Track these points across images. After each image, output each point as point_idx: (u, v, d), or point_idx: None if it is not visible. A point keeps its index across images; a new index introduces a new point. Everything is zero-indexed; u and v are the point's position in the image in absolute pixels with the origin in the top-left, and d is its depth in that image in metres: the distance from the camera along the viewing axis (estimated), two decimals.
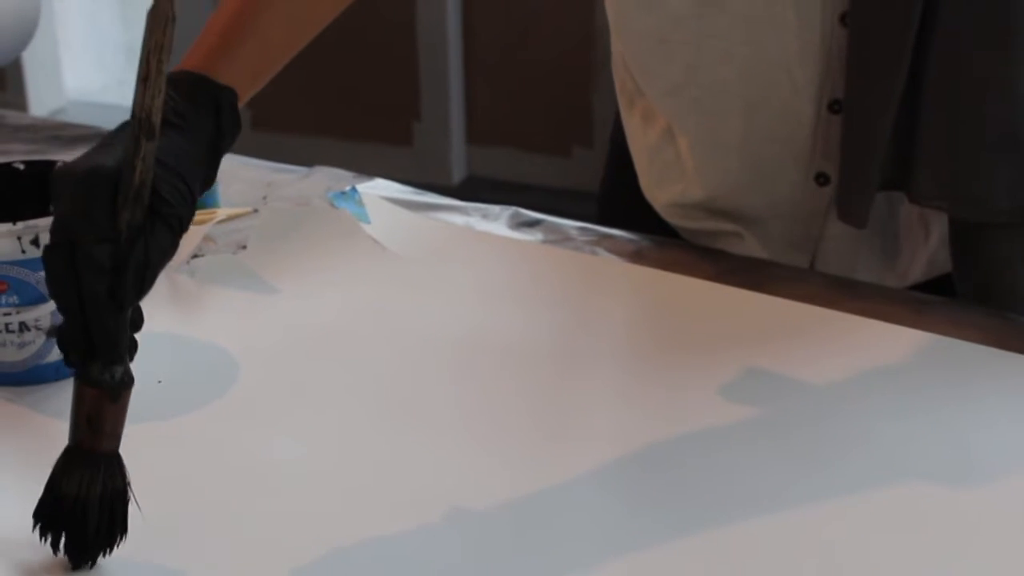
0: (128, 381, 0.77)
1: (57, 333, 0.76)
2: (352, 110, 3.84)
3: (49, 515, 0.76)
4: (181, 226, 0.78)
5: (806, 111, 1.11)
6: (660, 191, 1.22)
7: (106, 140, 0.80)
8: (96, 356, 0.75)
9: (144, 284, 0.76)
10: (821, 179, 1.14)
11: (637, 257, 1.18)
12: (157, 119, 0.74)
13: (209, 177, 0.84)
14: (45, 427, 0.93)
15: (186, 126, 0.81)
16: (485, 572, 0.78)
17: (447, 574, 0.78)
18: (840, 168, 1.10)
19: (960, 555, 0.80)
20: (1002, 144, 1.06)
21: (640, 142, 1.23)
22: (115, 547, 0.77)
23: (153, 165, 0.75)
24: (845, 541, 0.81)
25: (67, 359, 0.76)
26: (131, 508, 0.78)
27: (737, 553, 0.80)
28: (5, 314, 0.95)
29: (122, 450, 0.81)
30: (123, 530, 0.77)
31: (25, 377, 0.97)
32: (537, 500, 0.85)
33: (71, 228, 0.75)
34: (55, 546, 0.76)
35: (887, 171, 1.08)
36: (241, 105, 0.87)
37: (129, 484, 0.78)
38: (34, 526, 0.77)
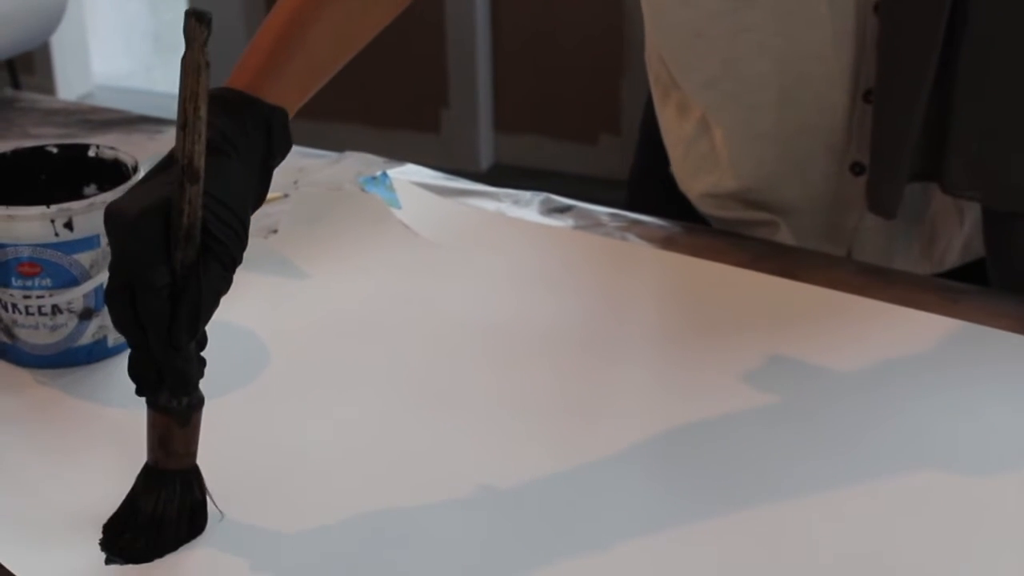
0: (196, 404, 0.79)
1: (128, 365, 0.78)
2: (380, 97, 3.83)
3: (127, 530, 0.79)
4: (233, 262, 0.79)
5: (841, 101, 1.11)
6: (695, 182, 1.21)
7: (152, 173, 0.80)
8: (165, 388, 0.78)
9: (198, 324, 0.77)
10: (856, 169, 1.13)
11: (668, 243, 1.18)
12: (199, 163, 0.75)
13: (261, 196, 0.84)
14: (77, 409, 0.94)
15: (235, 152, 0.81)
16: (515, 550, 0.78)
17: (478, 552, 0.78)
18: (871, 158, 1.09)
19: (984, 542, 0.80)
20: None
21: (675, 134, 1.23)
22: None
23: (201, 205, 0.76)
24: (869, 523, 0.81)
25: (138, 389, 0.78)
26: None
27: (762, 533, 0.80)
28: (38, 297, 0.95)
29: None
30: (202, 528, 0.81)
31: (57, 360, 0.98)
32: (567, 482, 0.85)
33: (128, 272, 0.76)
34: (130, 556, 0.78)
35: (919, 162, 1.08)
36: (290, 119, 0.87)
37: (209, 493, 0.81)
38: (107, 538, 0.79)
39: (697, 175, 1.21)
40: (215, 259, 0.77)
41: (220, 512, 0.81)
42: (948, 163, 1.07)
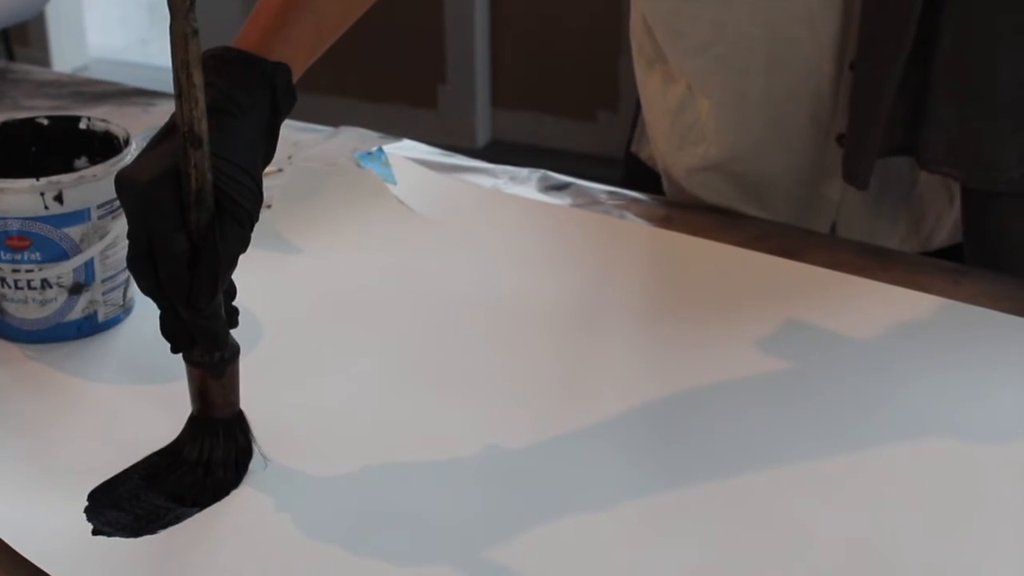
0: (230, 357, 0.81)
1: (160, 325, 0.79)
2: (377, 72, 3.82)
3: (172, 475, 0.82)
4: (250, 219, 0.79)
5: (827, 70, 1.11)
6: (681, 154, 1.20)
7: (157, 139, 0.80)
8: (196, 345, 0.80)
9: (217, 286, 0.77)
10: (842, 141, 1.13)
11: (666, 222, 1.17)
12: (199, 128, 0.75)
13: (269, 153, 0.84)
14: (67, 385, 0.93)
15: (240, 110, 0.81)
16: (509, 519, 0.78)
17: (472, 521, 0.78)
18: (847, 126, 1.09)
19: (983, 524, 0.79)
20: (1013, 110, 1.06)
21: (659, 106, 1.22)
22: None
23: (208, 168, 0.76)
24: (862, 504, 0.80)
25: (172, 348, 0.80)
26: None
27: (756, 510, 0.80)
28: (27, 271, 0.94)
29: (145, 410, 0.85)
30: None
31: (47, 335, 0.97)
32: (561, 455, 0.84)
33: (146, 240, 0.76)
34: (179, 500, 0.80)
35: (897, 136, 1.08)
36: (295, 81, 0.87)
37: (254, 439, 0.83)
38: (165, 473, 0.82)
39: (683, 147, 1.20)
40: (231, 219, 0.78)
41: (265, 459, 0.83)
42: (925, 137, 1.08)
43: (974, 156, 1.07)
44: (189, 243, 0.76)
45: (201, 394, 0.81)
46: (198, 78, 0.74)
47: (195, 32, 0.74)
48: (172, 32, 0.73)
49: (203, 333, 0.79)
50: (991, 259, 1.11)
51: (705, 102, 1.17)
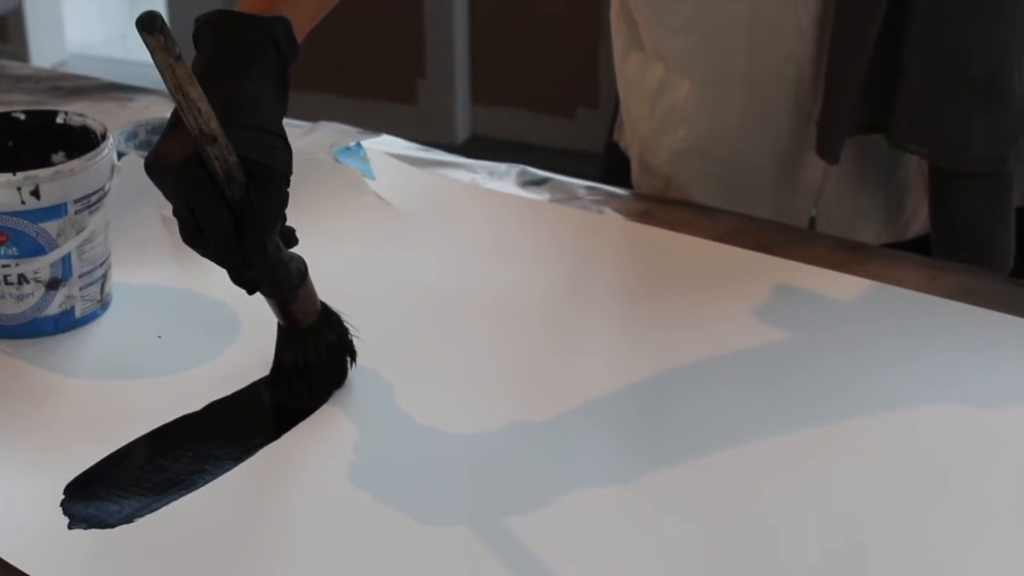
0: (298, 284, 0.86)
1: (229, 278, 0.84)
2: (356, 67, 3.81)
3: (283, 383, 0.90)
4: (284, 176, 0.81)
5: (807, 51, 1.12)
6: (664, 137, 1.21)
7: (171, 125, 0.81)
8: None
9: (266, 247, 0.80)
10: None
11: (644, 217, 1.17)
12: (209, 128, 0.76)
13: (284, 103, 0.85)
14: (44, 381, 0.92)
15: (248, 74, 0.82)
16: (490, 503, 0.79)
17: (455, 506, 0.79)
18: (822, 100, 1.11)
19: (955, 494, 0.81)
20: (981, 91, 1.07)
21: (639, 91, 1.22)
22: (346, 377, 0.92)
23: (229, 153, 0.78)
24: (835, 477, 0.82)
25: (247, 292, 0.85)
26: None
27: (729, 485, 0.82)
28: (4, 266, 0.94)
29: (123, 405, 0.85)
30: (352, 358, 0.92)
31: (24, 330, 0.96)
32: (543, 441, 0.85)
33: (191, 215, 0.79)
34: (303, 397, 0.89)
35: (868, 112, 1.10)
36: (300, 40, 0.87)
37: (347, 330, 0.91)
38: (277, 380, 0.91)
39: (665, 130, 1.20)
40: (266, 183, 0.80)
41: (363, 339, 0.92)
42: (895, 115, 1.09)
43: (943, 133, 1.09)
44: (232, 215, 0.79)
45: (283, 315, 0.88)
46: (194, 92, 0.76)
47: (178, 58, 0.74)
48: (156, 64, 0.74)
49: (266, 280, 0.84)
50: (956, 243, 1.12)
51: (685, 84, 1.18)
